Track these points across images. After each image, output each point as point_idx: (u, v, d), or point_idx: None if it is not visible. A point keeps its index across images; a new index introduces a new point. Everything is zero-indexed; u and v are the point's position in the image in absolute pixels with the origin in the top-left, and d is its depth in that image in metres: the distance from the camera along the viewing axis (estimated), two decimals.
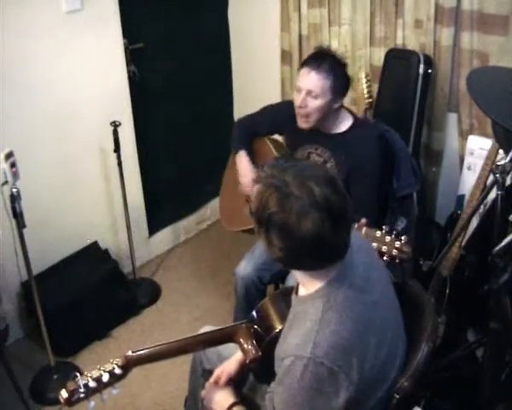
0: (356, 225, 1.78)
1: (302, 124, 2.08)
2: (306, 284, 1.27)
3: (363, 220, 1.80)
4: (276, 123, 2.29)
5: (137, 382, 2.38)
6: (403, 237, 1.63)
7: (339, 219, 1.15)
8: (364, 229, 1.72)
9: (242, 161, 2.30)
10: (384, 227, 1.67)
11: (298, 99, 2.03)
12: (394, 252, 1.63)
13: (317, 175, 1.17)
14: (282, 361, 1.20)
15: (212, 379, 1.60)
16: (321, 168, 1.24)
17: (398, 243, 1.63)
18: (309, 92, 2.00)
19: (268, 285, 2.30)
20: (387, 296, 1.35)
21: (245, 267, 2.24)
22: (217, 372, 1.60)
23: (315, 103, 2.01)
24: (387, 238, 1.65)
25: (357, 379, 1.17)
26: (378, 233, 1.67)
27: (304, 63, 2.06)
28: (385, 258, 1.64)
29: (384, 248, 1.64)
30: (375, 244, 1.65)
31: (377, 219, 2.11)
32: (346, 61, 2.08)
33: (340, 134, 2.11)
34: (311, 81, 1.99)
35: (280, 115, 2.26)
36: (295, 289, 1.35)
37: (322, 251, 1.17)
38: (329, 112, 2.05)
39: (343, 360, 1.16)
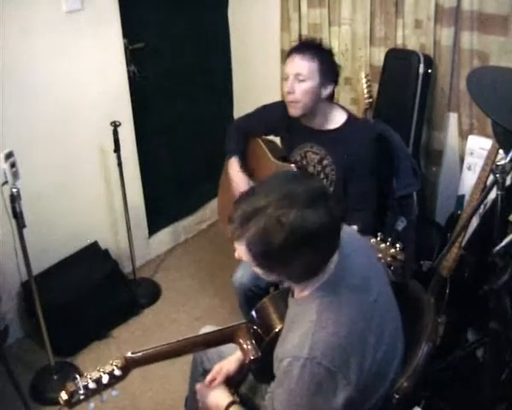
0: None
1: (291, 110, 2.06)
2: (302, 287, 1.27)
3: (354, 227, 1.80)
4: (270, 123, 2.28)
5: (137, 382, 2.38)
6: (397, 245, 1.63)
7: (325, 197, 1.16)
8: None
9: (233, 167, 2.31)
10: (379, 234, 1.67)
11: (286, 86, 2.04)
12: (389, 259, 1.63)
13: (285, 179, 1.20)
14: (281, 363, 1.20)
15: (208, 377, 1.59)
16: (283, 172, 1.28)
17: (392, 251, 1.63)
18: (296, 76, 2.00)
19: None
20: (385, 296, 1.35)
21: (241, 276, 2.23)
22: (215, 369, 1.60)
23: (302, 87, 2.00)
24: (382, 246, 1.65)
25: (356, 379, 1.17)
26: (372, 241, 1.67)
27: (288, 53, 2.07)
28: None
29: (379, 256, 1.64)
30: None
31: (376, 217, 2.12)
32: (332, 50, 2.09)
33: (333, 130, 2.09)
34: (297, 65, 2.00)
35: (273, 116, 2.25)
36: (292, 290, 1.35)
37: (332, 235, 1.18)
38: (318, 100, 2.04)
39: (341, 359, 1.16)
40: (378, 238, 1.66)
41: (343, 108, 2.15)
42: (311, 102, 2.03)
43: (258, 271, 1.23)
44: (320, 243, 1.15)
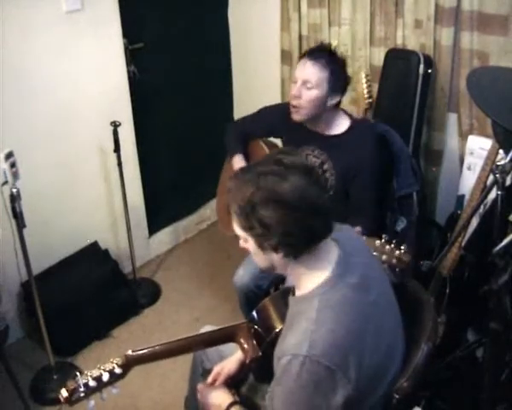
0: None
1: (293, 115, 2.04)
2: (302, 285, 1.28)
3: (358, 229, 1.79)
4: (272, 125, 2.26)
5: (137, 382, 2.38)
6: (402, 247, 1.63)
7: (312, 173, 1.21)
8: (364, 238, 1.71)
9: (238, 166, 2.28)
10: (384, 236, 1.67)
11: (293, 89, 2.01)
12: (394, 261, 1.62)
13: (276, 153, 1.27)
14: (280, 361, 1.20)
15: (210, 378, 1.60)
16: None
17: (397, 253, 1.63)
18: (304, 83, 1.98)
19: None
20: (385, 296, 1.35)
21: (242, 276, 2.22)
22: (216, 369, 1.61)
23: (309, 95, 1.98)
24: (387, 248, 1.64)
25: (355, 378, 1.17)
26: (377, 242, 1.66)
27: (302, 55, 2.05)
28: (385, 266, 1.64)
29: (384, 258, 1.64)
30: (375, 253, 1.64)
31: (377, 220, 2.11)
32: (345, 60, 2.06)
33: (336, 136, 2.08)
34: (307, 71, 1.97)
35: (275, 117, 2.23)
36: (292, 289, 1.35)
37: (311, 210, 1.19)
38: (323, 109, 2.02)
39: (340, 358, 1.16)
40: (383, 240, 1.66)
41: (345, 112, 2.14)
42: (315, 109, 2.01)
43: (251, 249, 1.27)
44: (301, 211, 1.17)
